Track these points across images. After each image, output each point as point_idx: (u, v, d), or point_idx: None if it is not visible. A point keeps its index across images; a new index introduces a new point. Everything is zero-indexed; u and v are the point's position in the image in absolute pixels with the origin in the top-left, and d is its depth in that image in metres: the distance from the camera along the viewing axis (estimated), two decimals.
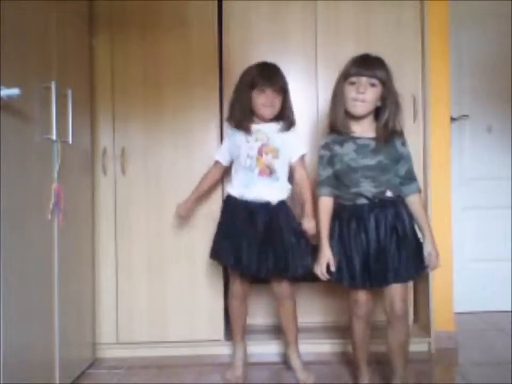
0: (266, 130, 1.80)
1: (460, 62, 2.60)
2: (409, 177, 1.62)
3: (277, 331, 2.05)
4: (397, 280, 1.55)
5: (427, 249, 1.58)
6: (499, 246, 2.65)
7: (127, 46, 2.07)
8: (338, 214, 1.64)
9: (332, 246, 1.61)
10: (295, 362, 1.84)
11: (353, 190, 1.60)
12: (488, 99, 2.66)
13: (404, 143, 1.62)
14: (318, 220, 1.67)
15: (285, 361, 1.93)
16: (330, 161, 1.65)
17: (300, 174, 1.83)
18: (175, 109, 2.07)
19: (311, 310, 2.22)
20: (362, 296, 1.62)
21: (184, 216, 1.97)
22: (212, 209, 2.04)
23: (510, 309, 2.59)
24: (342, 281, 1.60)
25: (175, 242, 2.07)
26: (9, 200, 1.33)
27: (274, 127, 1.81)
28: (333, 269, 1.59)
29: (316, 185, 1.70)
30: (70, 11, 1.79)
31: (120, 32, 2.07)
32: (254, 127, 1.81)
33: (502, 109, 2.67)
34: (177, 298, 2.06)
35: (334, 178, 1.64)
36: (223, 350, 2.04)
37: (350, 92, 1.57)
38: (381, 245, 1.55)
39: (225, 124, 1.99)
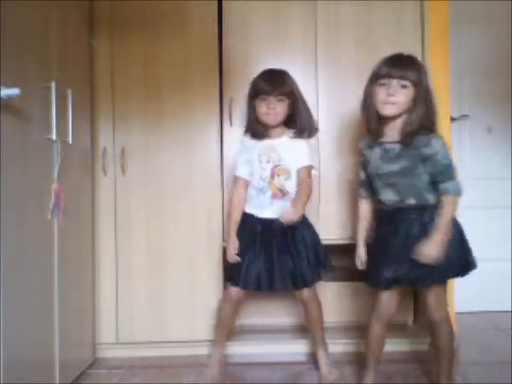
0: (278, 148, 1.78)
1: (460, 62, 2.60)
2: (438, 179, 1.53)
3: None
4: (429, 282, 1.55)
5: (421, 247, 1.49)
6: (499, 246, 2.65)
7: (127, 46, 2.07)
8: (376, 215, 1.69)
9: (369, 246, 1.67)
10: (321, 359, 1.86)
11: (380, 196, 1.62)
12: (488, 99, 2.66)
13: (427, 143, 1.52)
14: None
15: (312, 361, 1.93)
16: (364, 165, 1.69)
17: (300, 179, 1.78)
18: (175, 109, 2.07)
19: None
20: (386, 296, 1.61)
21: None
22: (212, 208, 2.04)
23: (510, 309, 2.59)
24: (367, 281, 1.65)
25: (175, 242, 2.07)
26: (9, 200, 1.33)
27: (286, 141, 1.80)
28: (362, 267, 1.68)
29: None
30: (70, 11, 1.79)
31: (120, 32, 2.07)
32: (266, 143, 1.80)
33: (502, 109, 2.67)
34: (177, 298, 2.06)
35: (368, 182, 1.68)
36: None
37: (380, 94, 1.54)
38: (407, 248, 1.52)
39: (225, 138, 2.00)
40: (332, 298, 2.25)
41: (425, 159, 1.53)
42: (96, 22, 2.06)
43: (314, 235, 1.83)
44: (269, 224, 1.77)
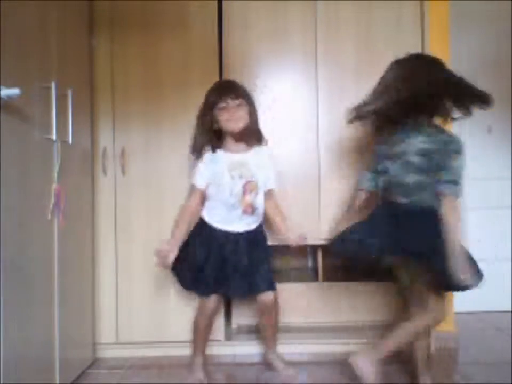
0: (249, 163, 1.78)
1: (460, 62, 2.59)
2: (436, 175, 1.57)
3: (286, 331, 2.07)
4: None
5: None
6: (499, 246, 2.65)
7: (127, 46, 2.07)
8: None
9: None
10: (277, 362, 1.89)
11: None
12: None
13: (423, 141, 1.57)
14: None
15: (264, 362, 1.95)
16: None
17: (270, 203, 1.87)
18: (175, 109, 2.07)
19: (321, 310, 2.23)
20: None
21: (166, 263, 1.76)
22: None
23: (510, 309, 2.59)
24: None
25: None
26: (9, 200, 1.33)
27: (255, 155, 1.81)
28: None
29: None
30: (70, 11, 1.79)
31: (120, 32, 2.07)
32: (236, 157, 1.79)
33: (502, 109, 2.67)
34: (177, 299, 2.06)
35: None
36: (223, 350, 2.05)
37: None
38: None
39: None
40: (331, 298, 2.25)
41: (424, 154, 1.60)
42: (96, 22, 2.06)
43: (269, 251, 1.89)
44: (234, 237, 1.79)
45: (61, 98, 1.63)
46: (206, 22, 2.08)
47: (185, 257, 1.78)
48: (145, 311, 2.07)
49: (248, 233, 1.81)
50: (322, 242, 2.12)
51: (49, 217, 1.57)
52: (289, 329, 2.12)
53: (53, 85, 1.56)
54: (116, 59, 2.08)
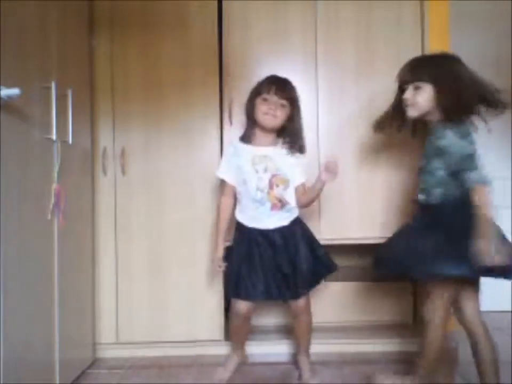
0: (274, 156, 1.74)
1: None
2: (458, 170, 1.54)
3: (287, 331, 2.07)
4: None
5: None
6: None
7: (127, 46, 2.08)
8: None
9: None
10: (303, 365, 1.84)
11: None
12: None
13: (440, 136, 1.54)
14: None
15: (294, 362, 1.94)
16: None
17: (299, 199, 1.79)
18: (175, 109, 2.07)
19: (322, 310, 2.22)
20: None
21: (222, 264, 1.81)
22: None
23: (510, 309, 2.59)
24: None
25: (175, 242, 2.07)
26: (9, 200, 1.33)
27: (281, 151, 1.76)
28: None
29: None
30: (70, 11, 1.79)
31: (120, 32, 2.07)
32: (260, 151, 1.75)
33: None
34: (177, 298, 2.06)
35: None
36: (223, 350, 2.04)
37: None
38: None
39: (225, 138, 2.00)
40: (335, 298, 2.25)
41: (440, 154, 1.56)
42: (96, 22, 2.07)
43: (312, 238, 1.80)
44: (268, 235, 1.74)
45: (61, 98, 1.62)
46: (206, 22, 2.08)
47: (231, 268, 1.77)
48: (145, 311, 2.07)
49: (281, 230, 1.74)
50: (322, 242, 2.12)
51: (49, 217, 1.57)
52: (289, 330, 2.12)
53: (53, 85, 1.56)
54: (116, 59, 2.08)
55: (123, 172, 2.07)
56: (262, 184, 1.72)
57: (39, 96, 1.52)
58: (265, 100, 1.72)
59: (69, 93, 1.68)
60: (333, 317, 2.24)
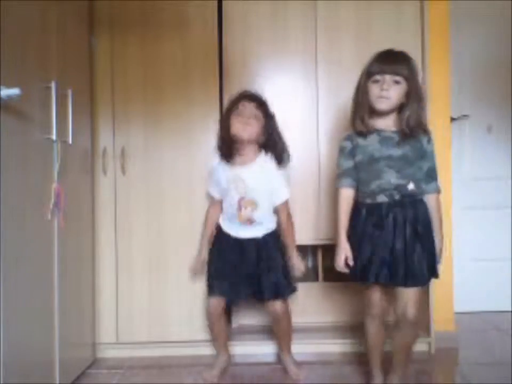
0: (246, 178, 1.77)
1: (460, 62, 2.60)
2: (430, 176, 1.60)
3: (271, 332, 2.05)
4: (412, 283, 1.52)
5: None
6: (499, 246, 2.65)
7: (127, 46, 2.07)
8: (356, 211, 1.62)
9: (349, 242, 1.60)
10: (288, 363, 1.88)
11: (374, 184, 1.55)
12: (488, 99, 2.66)
13: (429, 141, 1.59)
14: (337, 212, 1.65)
15: (279, 362, 1.95)
16: (352, 152, 1.61)
17: (282, 218, 1.84)
18: (175, 109, 2.07)
19: (321, 310, 2.24)
20: (376, 295, 1.62)
21: (201, 269, 1.93)
22: None
23: (510, 309, 2.59)
24: (355, 279, 1.61)
25: (175, 242, 2.07)
26: (9, 200, 1.33)
27: (255, 170, 1.78)
28: (351, 262, 1.58)
29: (336, 177, 1.68)
30: (70, 11, 1.79)
31: (120, 32, 2.07)
32: (235, 170, 1.79)
33: (502, 109, 2.67)
34: (177, 299, 2.06)
35: (355, 171, 1.61)
36: None
37: (374, 90, 1.55)
38: (399, 245, 1.52)
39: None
40: (331, 298, 2.25)
41: (423, 155, 1.57)
42: (96, 21, 2.06)
43: (284, 258, 1.84)
44: (244, 243, 1.81)
45: (61, 98, 1.63)
46: (206, 22, 2.08)
47: (208, 267, 1.88)
48: (145, 311, 2.07)
49: (256, 240, 1.81)
50: (322, 242, 2.12)
51: (49, 217, 1.57)
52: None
53: (53, 85, 1.56)
54: (116, 59, 2.08)
55: (123, 172, 2.07)
56: (233, 202, 1.80)
57: (39, 96, 1.52)
58: (238, 114, 1.75)
59: (69, 93, 1.69)
60: (333, 316, 2.24)
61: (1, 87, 1.26)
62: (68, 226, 1.70)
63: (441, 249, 1.62)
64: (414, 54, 2.09)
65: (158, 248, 2.07)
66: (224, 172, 1.82)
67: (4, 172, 1.30)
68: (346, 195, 1.62)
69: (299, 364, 1.89)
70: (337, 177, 1.65)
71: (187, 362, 1.99)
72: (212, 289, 1.84)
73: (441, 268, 1.64)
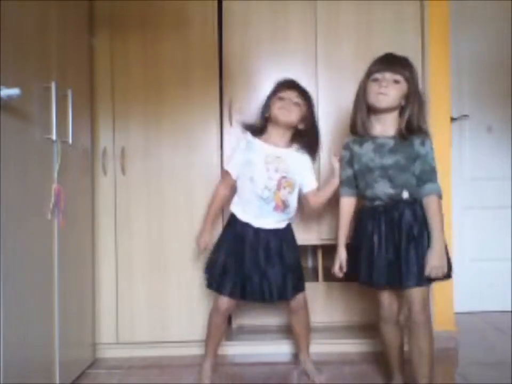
0: (286, 159, 1.76)
1: (460, 62, 2.60)
2: (424, 178, 1.54)
3: (288, 331, 2.06)
4: (412, 283, 1.51)
5: (429, 259, 1.49)
6: (499, 246, 2.65)
7: (127, 46, 2.07)
8: (358, 214, 1.66)
9: (352, 246, 1.64)
10: (308, 365, 1.85)
11: (370, 191, 1.59)
12: (488, 99, 2.66)
13: (422, 142, 1.55)
14: (338, 214, 1.71)
15: (296, 362, 1.94)
16: (350, 161, 1.66)
17: (312, 203, 1.84)
18: (175, 109, 2.07)
19: (321, 310, 2.23)
20: (384, 297, 1.62)
21: (207, 247, 1.86)
22: None
23: (510, 309, 2.59)
24: (357, 280, 1.64)
25: (175, 242, 2.07)
26: (9, 200, 1.33)
27: (293, 153, 1.78)
28: (344, 269, 1.67)
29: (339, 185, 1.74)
30: (70, 11, 1.79)
31: (120, 32, 2.07)
32: (274, 151, 1.77)
33: (502, 109, 2.67)
34: (177, 298, 2.06)
35: (354, 179, 1.65)
36: (223, 350, 2.04)
37: (373, 87, 1.56)
38: (396, 246, 1.52)
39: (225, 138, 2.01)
40: (331, 298, 2.25)
41: (416, 158, 1.56)
42: (96, 21, 2.06)
43: (297, 255, 1.83)
44: (261, 234, 1.75)
45: (61, 98, 1.63)
46: (206, 22, 2.08)
47: (216, 258, 1.77)
48: (145, 311, 2.07)
49: (277, 232, 1.77)
50: (322, 242, 2.12)
51: (49, 217, 1.57)
52: (288, 329, 2.12)
53: (53, 85, 1.56)
54: (115, 59, 2.08)
55: (123, 172, 2.07)
56: (271, 184, 1.74)
57: (39, 96, 1.52)
58: (281, 98, 1.75)
59: (69, 93, 1.68)
60: (330, 317, 2.24)
61: (1, 87, 1.26)
62: (67, 226, 1.70)
63: (441, 251, 1.51)
64: (414, 54, 2.11)
65: (158, 248, 2.07)
66: (263, 149, 1.76)
67: (4, 172, 1.30)
68: (346, 204, 1.69)
69: (318, 366, 1.86)
70: (339, 186, 1.72)
71: (187, 362, 1.99)
72: (223, 287, 1.73)
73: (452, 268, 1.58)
